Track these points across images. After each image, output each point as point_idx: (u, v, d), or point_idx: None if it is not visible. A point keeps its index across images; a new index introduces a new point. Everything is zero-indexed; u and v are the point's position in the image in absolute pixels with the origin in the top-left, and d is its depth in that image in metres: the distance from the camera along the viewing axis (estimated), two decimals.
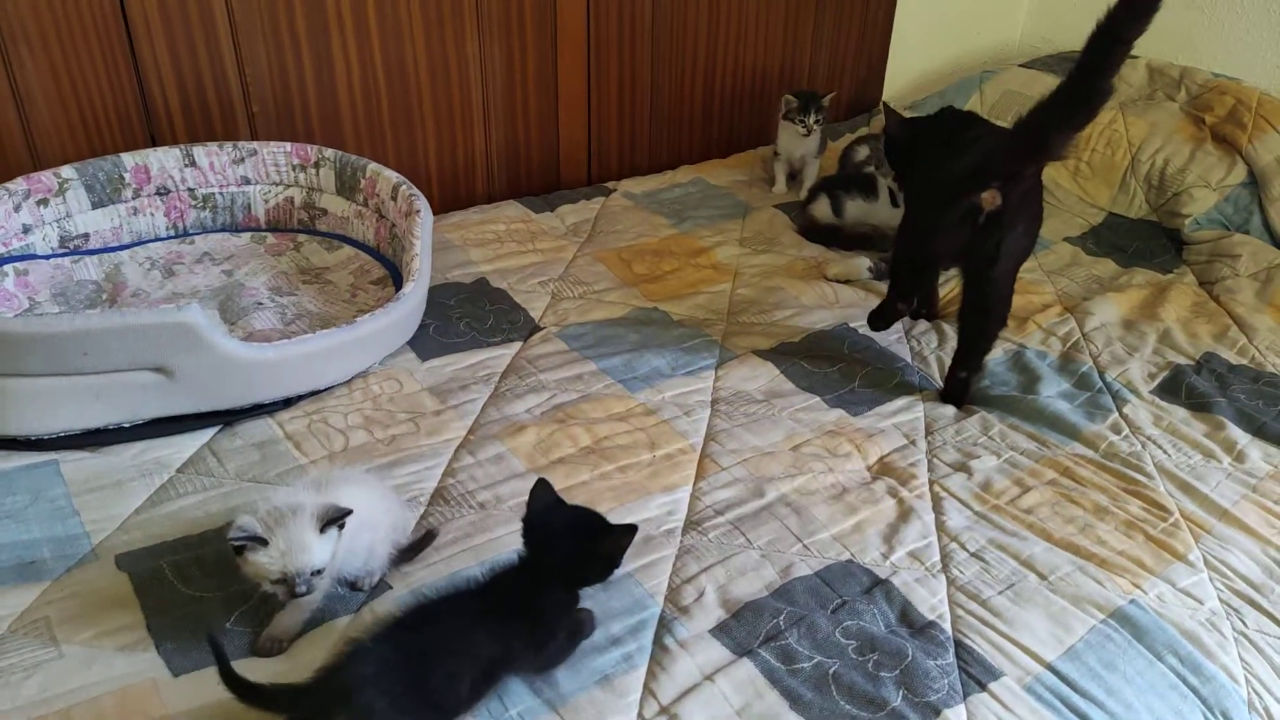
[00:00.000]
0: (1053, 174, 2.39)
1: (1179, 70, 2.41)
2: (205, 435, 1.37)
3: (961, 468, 1.41)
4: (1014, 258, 1.55)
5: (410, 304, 1.55)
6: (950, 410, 1.56)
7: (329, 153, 1.87)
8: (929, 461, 1.43)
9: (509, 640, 0.94)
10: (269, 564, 0.98)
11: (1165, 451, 1.46)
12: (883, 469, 1.41)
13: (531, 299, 1.80)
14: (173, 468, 1.31)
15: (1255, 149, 2.13)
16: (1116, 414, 1.55)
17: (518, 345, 1.66)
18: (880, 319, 1.72)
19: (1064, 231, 2.24)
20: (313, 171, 1.88)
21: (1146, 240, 2.18)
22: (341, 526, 1.02)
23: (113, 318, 1.24)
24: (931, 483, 1.38)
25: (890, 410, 1.55)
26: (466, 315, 1.73)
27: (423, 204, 1.72)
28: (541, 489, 1.05)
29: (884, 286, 1.94)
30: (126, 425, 1.33)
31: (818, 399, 1.56)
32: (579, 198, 2.26)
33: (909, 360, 1.70)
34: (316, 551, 0.99)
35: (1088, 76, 1.33)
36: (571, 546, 1.00)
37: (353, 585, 1.12)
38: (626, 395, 1.53)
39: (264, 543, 0.98)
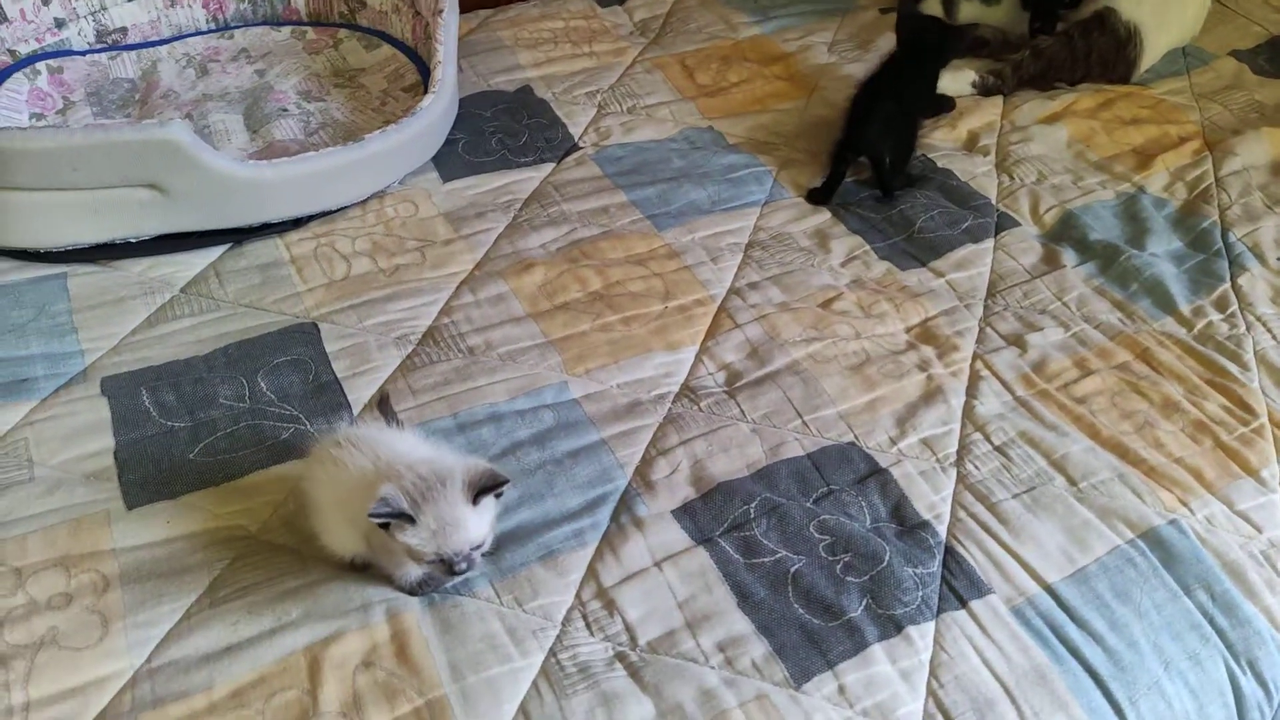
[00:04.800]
0: None
1: None
2: (214, 254, 1.35)
3: (1016, 340, 1.22)
4: None
5: (425, 121, 1.43)
6: (1027, 262, 1.34)
7: None
8: (980, 330, 1.25)
9: None
10: (420, 545, 0.83)
11: (1275, 336, 1.22)
12: (922, 336, 1.24)
13: (575, 112, 1.64)
14: (176, 287, 1.30)
15: None
16: (1228, 284, 1.30)
17: (549, 167, 1.53)
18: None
19: (1233, 42, 1.84)
20: None
21: None
22: (499, 495, 0.87)
23: (95, 134, 1.19)
24: (975, 357, 1.21)
25: (949, 264, 1.35)
26: (501, 130, 1.59)
27: (450, 1, 1.55)
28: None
29: (995, 104, 1.68)
30: (134, 240, 1.32)
31: (868, 246, 1.38)
32: None
33: (992, 199, 1.47)
34: (473, 527, 0.84)
35: None
36: None
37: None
38: (652, 233, 1.40)
39: (411, 520, 0.83)
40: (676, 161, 1.54)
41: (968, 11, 1.81)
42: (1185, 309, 1.26)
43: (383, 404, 1.05)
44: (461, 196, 1.47)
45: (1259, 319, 1.24)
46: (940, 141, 1.59)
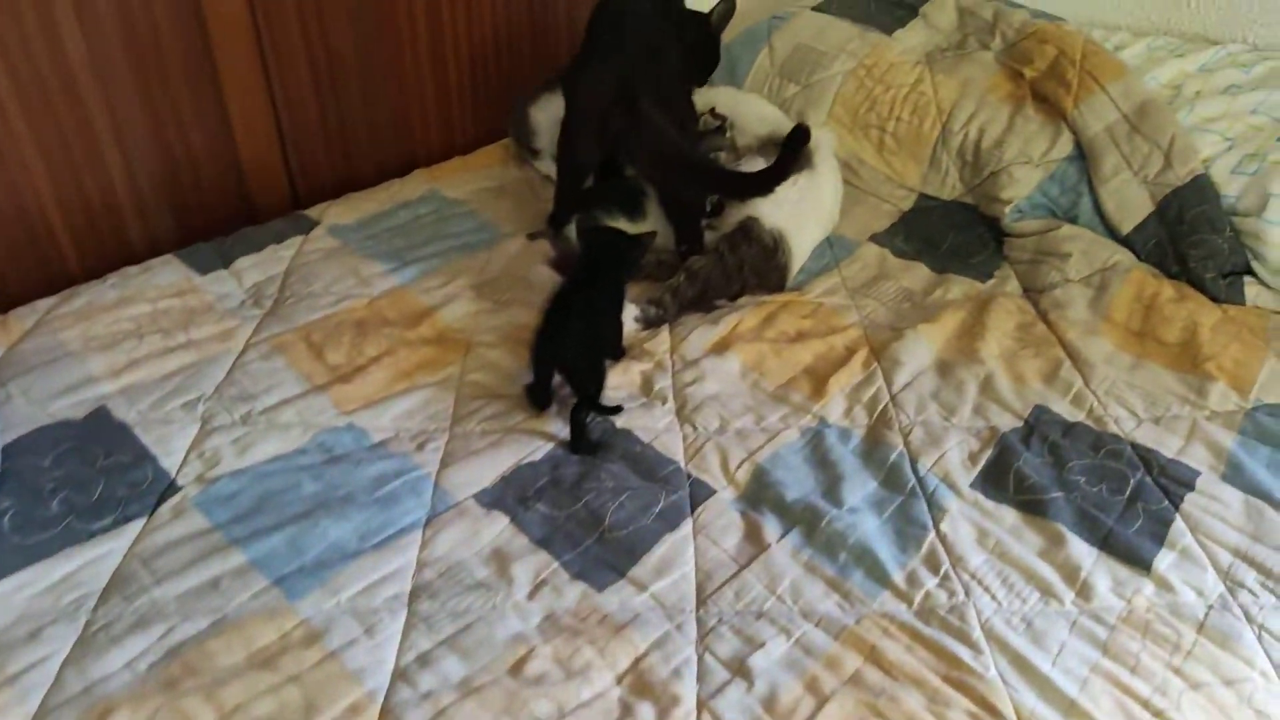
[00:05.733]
0: (856, 149, 2.01)
1: (993, 10, 2.04)
2: None
3: (740, 669, 1.04)
4: None
5: None
6: (731, 545, 1.19)
7: None
8: (699, 660, 1.06)
9: None
10: None
11: (994, 597, 1.14)
12: (637, 686, 1.03)
13: (170, 435, 1.30)
14: None
15: (1081, 114, 1.80)
16: (933, 533, 1.21)
17: (137, 528, 1.18)
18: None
19: (870, 225, 1.88)
20: None
21: (963, 230, 1.85)
22: None
23: None
24: (700, 706, 1.01)
25: (650, 570, 1.16)
26: (66, 483, 1.22)
27: None
28: None
29: (662, 339, 1.56)
30: None
31: (556, 564, 1.17)
32: (267, 239, 1.72)
33: (680, 461, 1.32)
34: None
35: None
36: None
37: None
38: (283, 607, 1.08)
39: None
40: (309, 485, 1.24)
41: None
42: (898, 577, 1.15)
43: None
44: (8, 608, 1.07)
45: (973, 576, 1.16)
46: (614, 389, 1.44)
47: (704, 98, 1.94)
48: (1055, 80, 1.84)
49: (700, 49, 1.85)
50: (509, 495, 1.25)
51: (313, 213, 1.82)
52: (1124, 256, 1.67)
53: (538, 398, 1.40)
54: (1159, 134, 1.71)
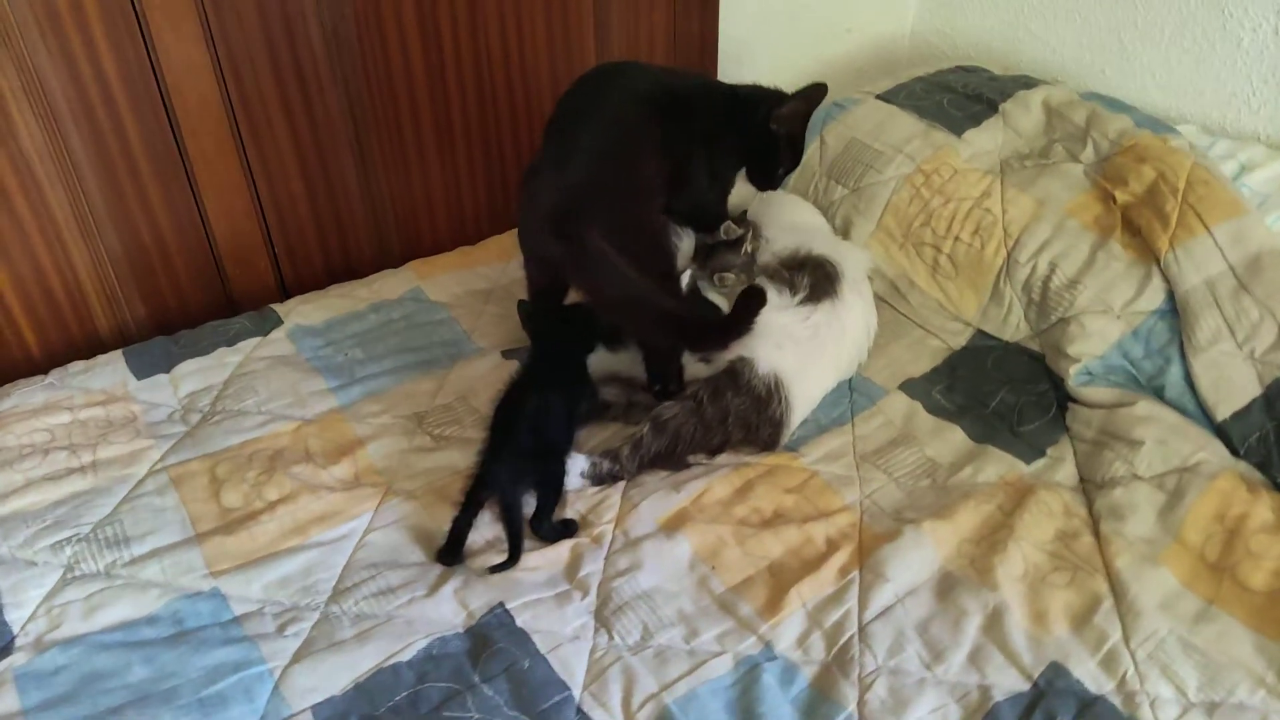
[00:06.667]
0: (906, 268, 1.70)
1: (1088, 112, 1.68)
2: None
3: None
4: None
5: None
6: None
7: None
8: None
9: None
10: None
11: None
12: None
13: (26, 582, 1.17)
14: None
15: (1178, 260, 1.42)
16: None
17: None
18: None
19: (909, 366, 1.56)
20: None
21: (1020, 387, 1.50)
22: None
23: None
24: None
25: None
26: None
27: None
28: None
29: (611, 502, 1.33)
30: None
31: None
32: (220, 341, 1.59)
33: (575, 689, 1.08)
34: None
35: None
36: None
37: None
38: None
39: None
40: (138, 670, 1.08)
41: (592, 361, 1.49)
42: None
43: None
44: None
45: None
46: (528, 574, 1.21)
47: (738, 196, 1.68)
48: (1151, 211, 1.47)
49: (761, 143, 1.48)
50: (354, 713, 1.05)
51: (282, 309, 1.68)
52: (1211, 455, 1.28)
53: (446, 556, 1.23)
54: (1274, 297, 1.33)
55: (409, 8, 1.70)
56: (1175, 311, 1.41)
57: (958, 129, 1.74)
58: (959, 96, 1.80)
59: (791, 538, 1.26)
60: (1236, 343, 1.33)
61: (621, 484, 1.35)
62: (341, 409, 1.47)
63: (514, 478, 1.25)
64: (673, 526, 1.28)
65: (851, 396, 1.52)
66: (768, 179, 1.56)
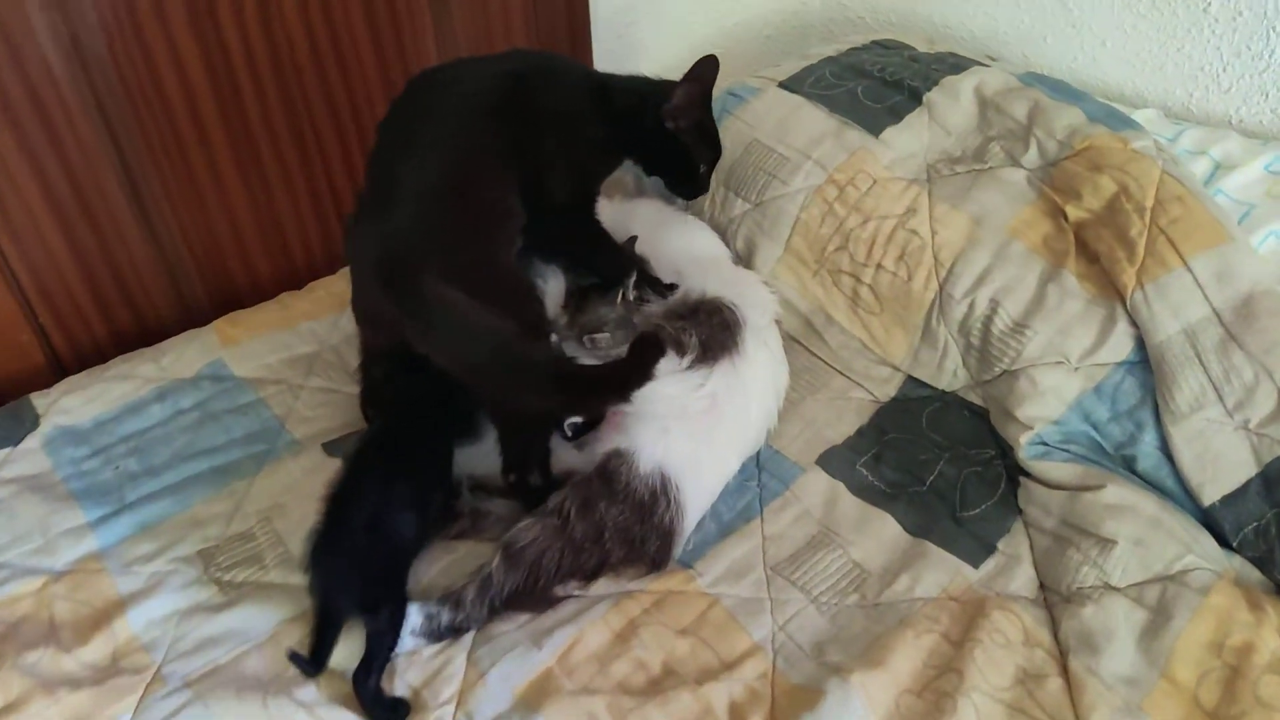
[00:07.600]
0: (822, 300, 1.40)
1: (1029, 104, 1.38)
2: None
3: None
4: None
5: None
6: None
7: None
8: None
9: None
10: None
11: None
12: None
13: None
14: None
15: (1149, 301, 1.14)
16: None
17: None
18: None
19: (828, 430, 1.28)
20: None
21: (962, 451, 1.23)
22: None
23: None
24: None
25: None
26: None
27: None
28: None
29: (455, 666, 1.03)
30: None
31: None
32: None
33: None
34: None
35: None
36: None
37: None
38: None
39: None
40: None
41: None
42: None
43: None
44: None
45: None
46: None
47: (616, 217, 1.36)
48: (1113, 235, 1.19)
49: (663, 147, 1.23)
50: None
51: (43, 401, 1.32)
52: (1201, 557, 1.02)
53: (310, 668, 1.00)
54: (1272, 352, 1.06)
55: (174, 2, 1.32)
56: (1147, 364, 1.15)
57: (875, 126, 1.42)
58: (876, 83, 1.48)
59: (683, 707, 0.97)
60: (1226, 409, 1.07)
61: (468, 637, 1.05)
62: (101, 554, 1.12)
63: (340, 586, 1.00)
64: (533, 701, 0.98)
65: (760, 479, 1.23)
66: (691, 184, 1.29)
